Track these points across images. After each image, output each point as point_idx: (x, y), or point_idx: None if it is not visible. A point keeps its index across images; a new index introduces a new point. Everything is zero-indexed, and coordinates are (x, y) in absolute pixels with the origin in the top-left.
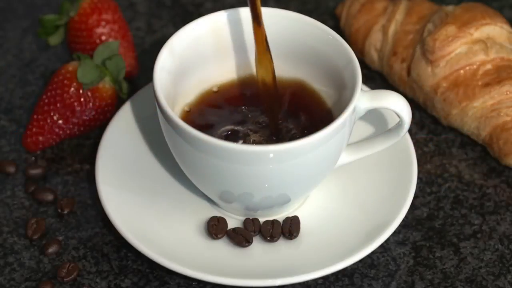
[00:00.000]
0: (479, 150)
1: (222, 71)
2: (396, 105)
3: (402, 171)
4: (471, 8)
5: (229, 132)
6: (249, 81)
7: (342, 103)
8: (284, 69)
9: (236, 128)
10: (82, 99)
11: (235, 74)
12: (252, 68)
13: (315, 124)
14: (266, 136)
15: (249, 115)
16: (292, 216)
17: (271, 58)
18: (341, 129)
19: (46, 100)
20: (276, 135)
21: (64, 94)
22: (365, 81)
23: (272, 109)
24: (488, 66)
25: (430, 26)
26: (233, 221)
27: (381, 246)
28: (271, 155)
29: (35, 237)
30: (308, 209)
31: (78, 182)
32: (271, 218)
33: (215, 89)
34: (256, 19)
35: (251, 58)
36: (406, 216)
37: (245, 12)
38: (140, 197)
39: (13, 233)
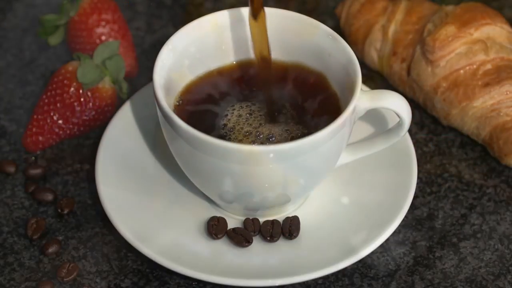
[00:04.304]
0: (479, 150)
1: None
2: (396, 105)
3: (402, 171)
4: (471, 8)
5: (226, 126)
6: (249, 80)
7: (342, 103)
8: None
9: (235, 125)
10: (82, 99)
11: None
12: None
13: (321, 112)
14: (268, 127)
15: (250, 112)
16: (292, 216)
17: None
18: (341, 129)
19: (46, 100)
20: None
21: (64, 94)
22: (365, 81)
23: (268, 84)
24: (488, 66)
25: (430, 26)
26: (233, 221)
27: (381, 246)
28: (271, 155)
29: (35, 237)
30: (308, 209)
31: (78, 182)
32: (271, 218)
33: (214, 88)
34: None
35: (252, 57)
36: (406, 216)
37: (246, 12)
38: (140, 197)
39: (13, 233)
